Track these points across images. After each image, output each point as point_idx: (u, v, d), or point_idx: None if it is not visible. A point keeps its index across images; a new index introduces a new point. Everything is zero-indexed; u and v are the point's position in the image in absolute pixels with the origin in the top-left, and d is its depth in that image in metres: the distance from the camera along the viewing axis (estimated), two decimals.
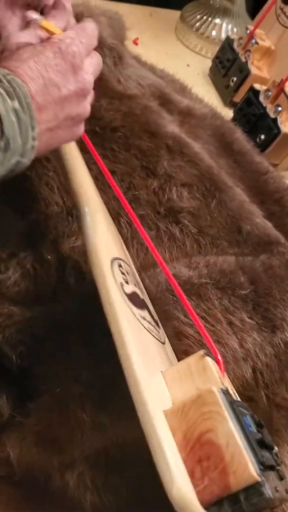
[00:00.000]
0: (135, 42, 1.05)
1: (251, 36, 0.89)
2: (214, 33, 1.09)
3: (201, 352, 0.36)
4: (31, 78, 0.42)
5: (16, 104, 0.39)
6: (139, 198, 0.64)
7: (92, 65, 0.49)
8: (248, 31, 0.91)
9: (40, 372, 0.43)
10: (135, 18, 1.14)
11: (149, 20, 1.16)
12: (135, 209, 0.60)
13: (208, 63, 1.05)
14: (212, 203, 0.65)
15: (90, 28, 0.50)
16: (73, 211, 0.59)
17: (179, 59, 1.06)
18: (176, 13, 1.17)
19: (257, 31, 0.90)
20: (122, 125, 0.70)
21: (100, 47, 0.76)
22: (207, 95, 0.96)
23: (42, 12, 0.54)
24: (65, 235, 0.56)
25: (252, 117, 0.82)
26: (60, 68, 0.44)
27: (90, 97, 0.49)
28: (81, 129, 0.50)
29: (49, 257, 0.53)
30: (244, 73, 0.89)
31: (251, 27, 0.91)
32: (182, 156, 0.69)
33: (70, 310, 0.45)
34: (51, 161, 0.63)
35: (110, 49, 0.77)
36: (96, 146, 0.57)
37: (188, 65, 1.05)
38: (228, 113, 0.91)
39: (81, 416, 0.41)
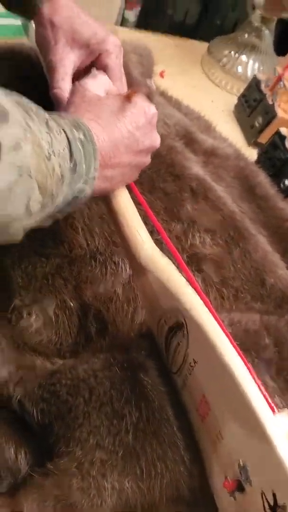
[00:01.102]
0: (161, 75, 1.05)
1: (279, 78, 0.89)
2: (240, 69, 1.09)
3: None
4: (110, 131, 0.47)
5: (81, 135, 0.42)
6: (162, 242, 0.63)
7: None
8: (277, 73, 0.91)
9: (61, 432, 0.43)
10: (162, 48, 1.15)
11: (175, 51, 1.17)
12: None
13: (233, 99, 1.05)
14: (235, 252, 0.64)
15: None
16: (97, 255, 0.59)
17: (204, 94, 1.07)
18: (203, 45, 1.18)
19: (286, 73, 0.90)
20: (148, 167, 0.69)
21: (129, 85, 0.77)
22: (231, 133, 0.96)
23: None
24: (88, 281, 0.56)
25: (277, 161, 0.82)
26: (142, 127, 0.50)
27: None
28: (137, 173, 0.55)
29: (71, 304, 0.53)
30: (270, 115, 0.89)
31: (279, 69, 0.91)
32: (205, 200, 0.69)
33: (92, 370, 0.44)
34: None
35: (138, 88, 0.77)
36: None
37: (212, 101, 1.05)
38: (252, 153, 0.91)
39: (102, 483, 0.40)
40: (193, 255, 0.62)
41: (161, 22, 1.24)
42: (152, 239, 0.60)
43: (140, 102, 0.50)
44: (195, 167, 0.74)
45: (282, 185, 0.80)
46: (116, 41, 0.60)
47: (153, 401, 0.43)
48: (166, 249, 0.51)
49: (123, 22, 1.25)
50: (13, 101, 0.37)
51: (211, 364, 0.39)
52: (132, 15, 1.24)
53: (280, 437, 0.35)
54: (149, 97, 0.79)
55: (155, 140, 0.53)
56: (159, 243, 0.60)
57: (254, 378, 0.39)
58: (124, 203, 0.52)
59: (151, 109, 0.51)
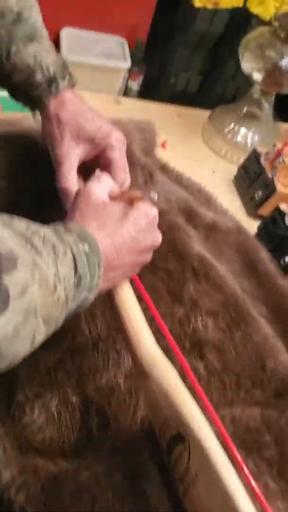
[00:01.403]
0: (163, 145, 1.08)
1: (279, 154, 0.91)
2: (240, 139, 1.12)
3: None
4: (114, 237, 0.49)
5: (87, 247, 0.45)
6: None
7: None
8: (276, 148, 0.93)
9: None
10: (164, 118, 1.18)
11: (177, 119, 1.20)
12: (159, 341, 0.60)
13: (233, 169, 1.07)
14: (237, 336, 0.65)
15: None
16: (99, 343, 0.59)
17: (205, 164, 1.09)
18: (204, 114, 1.21)
19: (286, 148, 0.92)
20: None
21: (133, 166, 0.79)
22: (231, 204, 0.98)
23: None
24: (90, 373, 0.56)
25: (277, 237, 0.83)
26: (144, 229, 0.52)
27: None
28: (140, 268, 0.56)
29: (74, 399, 0.53)
30: (269, 189, 0.91)
31: (279, 144, 0.94)
32: (207, 279, 0.70)
33: (95, 476, 0.44)
34: None
35: (141, 168, 0.79)
36: None
37: (213, 172, 1.08)
38: (252, 225, 0.93)
39: None
40: (196, 342, 0.63)
41: (163, 90, 1.28)
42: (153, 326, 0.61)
43: (142, 206, 0.52)
44: (197, 244, 0.75)
45: (282, 262, 0.81)
46: (119, 136, 0.63)
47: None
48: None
49: (126, 91, 1.29)
50: (21, 238, 0.39)
51: (212, 485, 0.38)
52: (135, 84, 1.28)
53: None
54: (152, 176, 0.81)
55: (157, 239, 0.55)
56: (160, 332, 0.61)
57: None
58: (126, 296, 0.53)
59: (153, 211, 0.53)
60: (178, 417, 0.41)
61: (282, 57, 0.96)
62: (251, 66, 1.01)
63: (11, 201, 0.68)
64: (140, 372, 0.48)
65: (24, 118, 0.84)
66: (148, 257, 0.55)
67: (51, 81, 0.61)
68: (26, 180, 0.70)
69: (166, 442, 0.43)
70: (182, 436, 0.41)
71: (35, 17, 0.63)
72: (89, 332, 0.60)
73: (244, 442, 0.50)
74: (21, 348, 0.38)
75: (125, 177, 0.63)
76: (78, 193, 0.52)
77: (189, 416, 0.41)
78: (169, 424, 0.43)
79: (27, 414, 0.51)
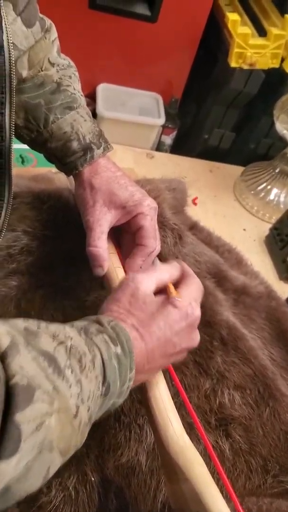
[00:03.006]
0: (194, 202, 1.08)
1: None
2: (273, 197, 1.11)
3: None
4: (148, 340, 0.47)
5: (119, 350, 0.43)
6: (190, 401, 0.62)
7: None
8: None
9: None
10: (195, 173, 1.19)
11: (209, 176, 1.20)
12: (185, 417, 0.58)
13: (265, 227, 1.06)
14: (265, 413, 0.62)
15: (196, 283, 0.55)
16: (121, 417, 0.57)
17: (236, 222, 1.08)
18: (237, 170, 1.21)
19: None
20: None
21: (163, 227, 0.78)
22: (262, 265, 0.96)
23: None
24: (111, 449, 0.54)
25: None
26: (181, 331, 0.50)
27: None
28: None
29: (92, 478, 0.51)
30: None
31: None
32: (236, 351, 0.68)
33: None
34: None
35: (171, 230, 0.79)
36: None
37: (244, 229, 1.07)
38: (283, 288, 0.91)
39: None
40: (222, 418, 0.60)
41: (196, 145, 1.29)
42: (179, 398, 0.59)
43: (185, 307, 0.50)
44: (226, 311, 0.73)
45: None
46: (151, 203, 0.63)
47: None
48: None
49: (159, 145, 1.30)
50: (44, 359, 0.36)
51: None
52: (168, 139, 1.29)
53: None
54: (181, 238, 0.81)
55: (194, 340, 0.52)
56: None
57: None
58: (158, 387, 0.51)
59: (195, 312, 0.51)
60: None
61: None
62: (285, 127, 1.01)
63: (41, 262, 0.68)
64: (166, 462, 0.46)
65: (57, 178, 0.84)
66: (182, 357, 0.53)
67: (87, 149, 0.62)
68: (57, 242, 0.70)
69: None
70: None
71: (74, 86, 0.64)
72: None
73: None
74: (33, 485, 0.35)
75: (155, 244, 0.62)
76: (127, 281, 0.51)
77: None
78: None
79: (44, 493, 0.49)
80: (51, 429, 0.34)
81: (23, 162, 1.02)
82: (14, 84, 0.52)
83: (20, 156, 1.03)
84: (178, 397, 0.59)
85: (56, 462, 0.36)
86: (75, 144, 0.62)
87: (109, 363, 0.41)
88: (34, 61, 0.62)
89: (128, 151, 1.19)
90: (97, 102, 1.16)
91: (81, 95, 0.65)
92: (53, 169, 0.91)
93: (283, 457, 0.59)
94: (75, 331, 0.42)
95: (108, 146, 0.65)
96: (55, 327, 0.41)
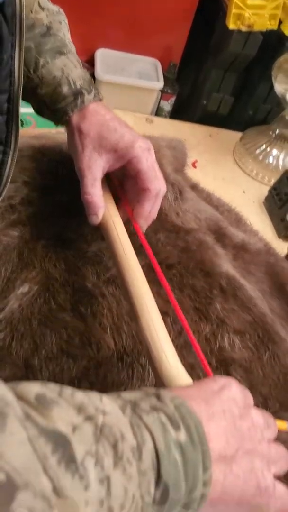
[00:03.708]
0: (193, 165, 1.08)
1: None
2: (272, 160, 1.12)
3: None
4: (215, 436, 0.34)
5: (183, 437, 0.31)
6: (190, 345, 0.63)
7: None
8: None
9: None
10: (195, 138, 1.19)
11: (208, 140, 1.20)
12: (186, 357, 0.59)
13: (264, 190, 1.06)
14: (265, 356, 0.63)
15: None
16: (124, 356, 0.59)
17: (235, 184, 1.09)
18: (236, 135, 1.21)
19: None
20: (178, 261, 0.70)
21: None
22: (261, 225, 0.97)
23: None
24: (114, 386, 0.55)
25: None
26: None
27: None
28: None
29: None
30: None
31: None
32: (235, 299, 0.69)
33: None
34: (106, 298, 0.63)
35: (172, 184, 0.79)
36: (150, 284, 0.56)
37: (244, 191, 1.07)
38: (282, 246, 0.91)
39: None
40: (222, 360, 0.62)
41: (195, 111, 1.28)
42: (181, 339, 0.60)
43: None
44: (225, 264, 0.74)
45: None
46: (143, 144, 0.61)
47: None
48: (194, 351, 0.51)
49: (158, 111, 1.30)
50: (48, 440, 0.26)
51: None
52: (167, 105, 1.29)
53: None
54: (182, 193, 0.81)
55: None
56: (188, 345, 0.60)
57: None
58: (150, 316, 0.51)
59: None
60: None
61: None
62: (284, 87, 1.01)
63: (42, 213, 0.69)
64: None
65: (58, 133, 0.85)
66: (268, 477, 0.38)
67: (77, 94, 0.61)
68: (57, 193, 0.71)
69: None
70: None
71: (64, 32, 0.64)
72: (114, 344, 0.59)
73: None
74: None
75: (159, 185, 0.61)
76: (201, 383, 0.40)
77: None
78: None
79: None
80: None
81: (22, 124, 1.02)
82: (24, 26, 0.50)
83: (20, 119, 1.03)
84: (182, 337, 0.61)
85: None
86: (65, 89, 0.61)
87: (167, 455, 0.30)
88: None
89: (128, 116, 1.19)
90: (96, 66, 1.16)
91: (71, 43, 0.65)
92: (52, 129, 0.91)
93: (283, 396, 0.60)
94: (117, 405, 0.31)
95: (99, 94, 0.64)
96: (86, 396, 0.30)
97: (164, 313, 0.54)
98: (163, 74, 1.24)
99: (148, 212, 0.61)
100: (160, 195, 0.62)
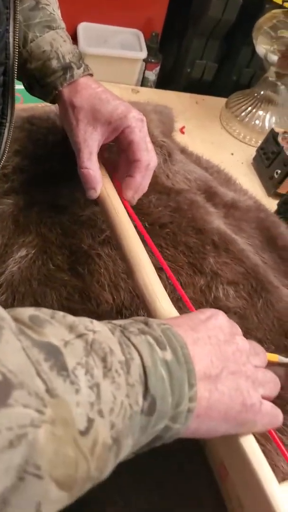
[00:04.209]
0: (181, 131, 1.09)
1: None
2: (258, 122, 1.13)
3: None
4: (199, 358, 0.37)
5: (169, 356, 0.34)
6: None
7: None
8: None
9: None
10: (182, 106, 1.20)
11: (195, 107, 1.21)
12: (182, 309, 0.61)
13: (252, 151, 1.08)
14: (259, 303, 0.66)
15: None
16: (123, 310, 0.61)
17: (223, 148, 1.10)
18: (221, 101, 1.22)
19: None
20: (170, 221, 0.72)
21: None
22: (250, 184, 0.99)
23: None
24: None
25: None
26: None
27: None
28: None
29: None
30: None
31: None
32: (227, 252, 0.71)
33: None
34: (102, 258, 0.65)
35: (160, 147, 0.80)
36: (144, 243, 0.58)
37: (232, 154, 1.09)
38: (271, 204, 0.93)
39: None
40: (218, 309, 0.63)
41: (180, 80, 1.29)
42: (177, 293, 0.62)
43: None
44: (216, 220, 0.76)
45: None
46: (137, 115, 0.61)
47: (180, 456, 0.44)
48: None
49: (143, 82, 1.31)
50: (41, 350, 0.28)
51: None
52: (152, 75, 1.30)
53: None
54: (171, 155, 0.83)
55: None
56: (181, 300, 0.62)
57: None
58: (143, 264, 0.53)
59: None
60: None
61: None
62: (265, 48, 1.02)
63: (34, 181, 0.70)
64: None
65: (45, 106, 0.86)
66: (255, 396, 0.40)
67: (67, 68, 0.61)
68: (47, 161, 0.72)
69: None
70: None
71: (53, 7, 0.64)
72: (113, 300, 0.61)
73: None
74: None
75: (149, 157, 0.62)
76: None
77: None
78: None
79: None
80: (38, 447, 0.25)
81: None
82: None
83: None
84: (177, 292, 0.62)
85: (51, 496, 0.26)
86: (54, 63, 0.61)
87: (153, 370, 0.32)
88: None
89: (113, 88, 1.19)
90: (79, 40, 1.17)
91: (61, 20, 0.65)
92: (40, 104, 0.92)
93: (277, 339, 0.62)
94: (107, 327, 0.34)
95: (89, 68, 0.64)
96: (77, 319, 0.32)
97: (159, 269, 0.56)
98: (146, 44, 1.24)
99: (139, 183, 0.61)
100: (150, 168, 0.62)
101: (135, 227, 0.58)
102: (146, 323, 0.36)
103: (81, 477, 0.27)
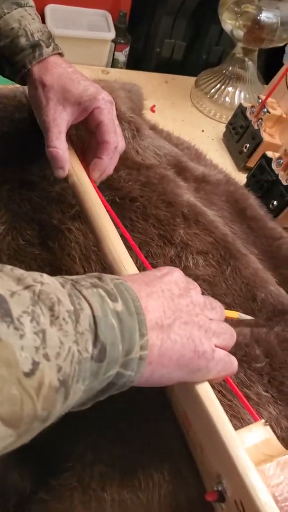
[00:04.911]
0: (152, 110, 1.10)
1: (263, 105, 0.93)
2: (227, 99, 1.14)
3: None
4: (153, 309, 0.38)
5: (120, 307, 0.35)
6: (157, 266, 0.66)
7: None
8: (260, 100, 0.95)
9: (62, 451, 0.45)
10: (152, 85, 1.21)
11: (165, 87, 1.22)
12: None
13: (222, 128, 1.09)
14: (227, 271, 0.67)
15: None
16: None
17: (194, 125, 1.11)
18: (191, 79, 1.23)
19: (269, 100, 0.94)
20: (141, 195, 0.73)
21: (119, 121, 0.81)
22: (221, 160, 1.00)
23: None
24: None
25: (265, 183, 0.85)
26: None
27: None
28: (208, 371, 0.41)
29: None
30: (256, 140, 0.93)
31: (263, 97, 0.95)
32: (197, 224, 0.72)
33: None
34: (73, 232, 0.66)
35: (128, 122, 0.81)
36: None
37: (203, 131, 1.10)
38: (242, 178, 0.95)
39: (102, 496, 0.42)
40: (187, 276, 0.65)
41: (150, 60, 1.30)
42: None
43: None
44: (186, 194, 0.77)
45: (271, 206, 0.83)
46: (106, 96, 0.62)
47: (147, 413, 0.45)
48: None
49: (113, 63, 1.31)
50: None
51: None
52: (122, 56, 1.30)
53: (240, 451, 0.36)
54: (139, 130, 0.83)
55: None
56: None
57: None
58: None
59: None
60: None
61: (260, 11, 0.98)
62: (231, 24, 1.03)
63: (2, 159, 0.71)
64: None
65: (17, 90, 0.86)
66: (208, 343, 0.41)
67: (35, 46, 0.61)
68: (15, 139, 0.72)
69: None
70: None
71: None
72: (84, 272, 0.62)
73: (235, 355, 0.52)
74: None
75: (117, 139, 0.62)
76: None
77: None
78: None
79: None
80: None
81: None
82: None
83: None
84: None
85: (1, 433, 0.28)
86: (23, 41, 0.60)
87: (104, 319, 0.33)
88: None
89: (83, 69, 1.18)
90: (46, 22, 1.16)
91: None
92: (9, 85, 0.92)
93: (245, 303, 0.64)
94: (57, 281, 0.34)
95: (58, 48, 0.64)
96: (26, 272, 0.33)
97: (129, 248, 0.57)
98: (114, 24, 1.24)
99: (107, 165, 0.62)
100: (118, 150, 0.63)
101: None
102: (99, 278, 0.37)
103: (28, 415, 0.28)
